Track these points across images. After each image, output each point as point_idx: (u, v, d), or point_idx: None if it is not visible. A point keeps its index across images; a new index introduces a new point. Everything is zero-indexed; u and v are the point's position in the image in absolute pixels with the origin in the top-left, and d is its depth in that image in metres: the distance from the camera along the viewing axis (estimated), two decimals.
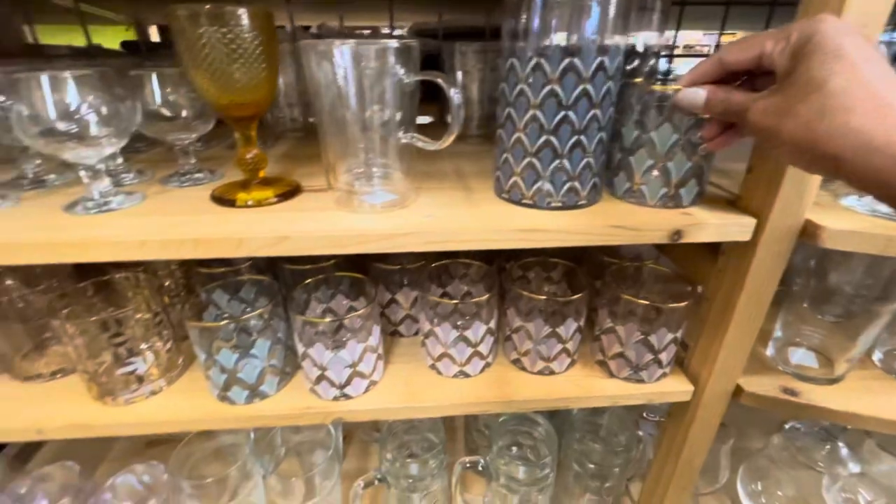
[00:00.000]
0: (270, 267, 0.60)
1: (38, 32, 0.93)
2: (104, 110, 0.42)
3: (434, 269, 0.58)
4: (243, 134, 0.46)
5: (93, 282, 0.53)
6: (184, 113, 0.52)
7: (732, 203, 0.47)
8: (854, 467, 0.71)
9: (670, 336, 0.51)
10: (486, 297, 0.51)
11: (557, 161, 0.42)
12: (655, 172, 0.44)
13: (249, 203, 0.47)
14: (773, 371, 0.56)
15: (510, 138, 0.44)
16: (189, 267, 0.61)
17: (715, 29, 1.04)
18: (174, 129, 0.51)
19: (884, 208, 0.44)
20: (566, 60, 0.38)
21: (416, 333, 0.62)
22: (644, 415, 0.87)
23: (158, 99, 0.50)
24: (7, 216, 0.44)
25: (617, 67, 0.41)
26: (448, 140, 0.40)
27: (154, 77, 0.49)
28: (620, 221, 0.43)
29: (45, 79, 0.40)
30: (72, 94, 0.41)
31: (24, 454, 0.80)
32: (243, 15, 0.40)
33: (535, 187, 0.44)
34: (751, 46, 0.32)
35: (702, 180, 0.45)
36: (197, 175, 0.55)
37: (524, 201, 0.45)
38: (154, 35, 1.31)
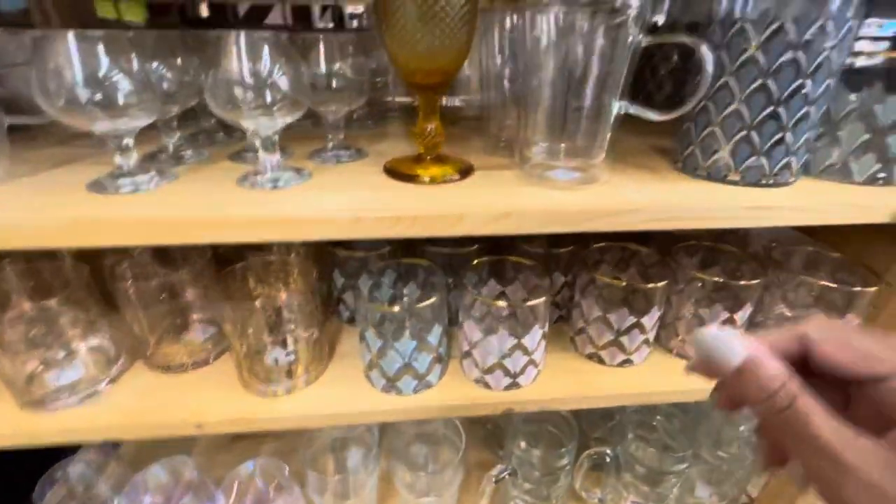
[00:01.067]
0: (407, 250, 0.57)
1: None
2: (288, 76, 0.39)
3: (586, 254, 0.55)
4: (428, 104, 0.43)
5: (241, 266, 0.49)
6: (335, 83, 0.48)
7: None
8: None
9: (855, 323, 0.49)
10: (663, 283, 0.49)
11: (780, 134, 0.40)
12: (869, 148, 0.42)
13: (426, 179, 0.43)
14: None
15: (722, 110, 0.41)
16: (319, 251, 0.58)
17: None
18: (333, 99, 0.48)
19: None
20: (817, 23, 0.36)
21: (557, 321, 0.60)
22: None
23: (323, 67, 0.46)
24: (179, 192, 0.40)
25: (854, 36, 0.38)
26: (686, 108, 0.37)
27: (322, 44, 0.45)
28: (847, 199, 0.40)
29: (242, 38, 0.36)
30: (265, 58, 0.37)
31: None
32: None
33: (746, 163, 0.41)
34: (862, 355, 0.21)
35: None
36: (342, 151, 0.51)
37: (729, 178, 0.42)
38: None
